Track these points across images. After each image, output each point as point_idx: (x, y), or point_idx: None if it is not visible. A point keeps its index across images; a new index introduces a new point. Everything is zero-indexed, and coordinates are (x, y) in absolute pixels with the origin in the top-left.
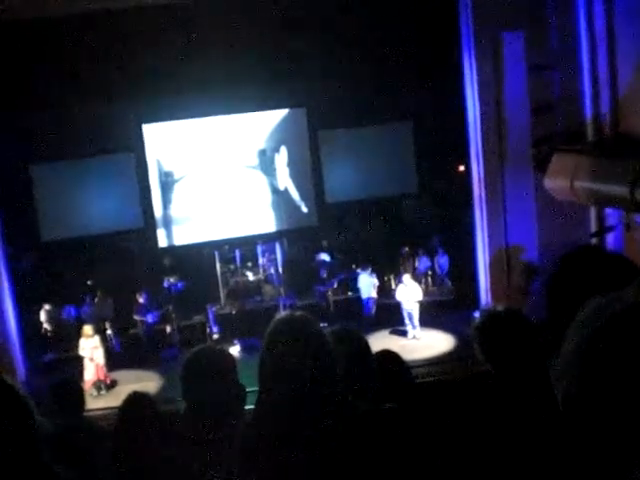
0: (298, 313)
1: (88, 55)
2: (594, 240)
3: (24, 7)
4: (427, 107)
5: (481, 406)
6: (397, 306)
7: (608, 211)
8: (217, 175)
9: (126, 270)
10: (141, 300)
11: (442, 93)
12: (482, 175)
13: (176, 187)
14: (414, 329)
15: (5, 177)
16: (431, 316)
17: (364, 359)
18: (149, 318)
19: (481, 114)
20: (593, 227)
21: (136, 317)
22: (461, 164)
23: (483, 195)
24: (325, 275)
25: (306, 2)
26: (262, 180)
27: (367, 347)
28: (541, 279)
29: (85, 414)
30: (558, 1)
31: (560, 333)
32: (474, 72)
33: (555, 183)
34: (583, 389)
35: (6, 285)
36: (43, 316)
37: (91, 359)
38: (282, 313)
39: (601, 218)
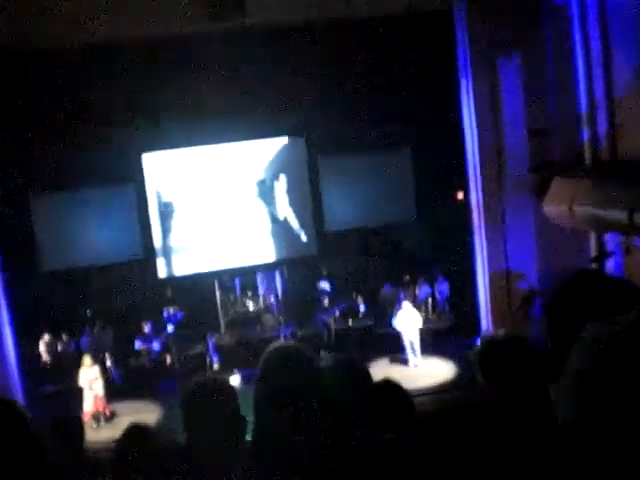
0: (290, 343)
1: (87, 86)
2: (594, 265)
3: (24, 38)
4: (425, 134)
5: (484, 433)
6: (397, 334)
7: (608, 236)
8: (216, 204)
9: (125, 300)
10: (145, 329)
11: (440, 120)
12: (481, 201)
13: (175, 217)
14: (415, 357)
15: (4, 207)
16: (432, 343)
17: (364, 388)
18: (155, 346)
19: (479, 140)
20: (593, 252)
21: (140, 346)
22: (460, 191)
23: (482, 221)
24: (326, 303)
25: (303, 32)
26: (261, 209)
27: (368, 376)
28: (541, 304)
29: (85, 447)
30: (553, 25)
31: (561, 358)
32: (471, 98)
33: (554, 208)
34: (584, 413)
35: (5, 315)
36: (42, 347)
37: (90, 389)
38: (275, 344)
39: (601, 243)
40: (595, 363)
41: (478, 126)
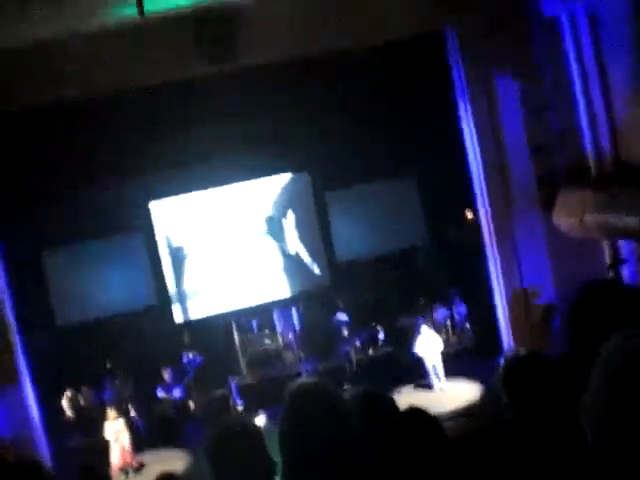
0: (312, 380)
1: (91, 138)
2: (611, 273)
3: (28, 94)
4: (429, 157)
5: (512, 453)
6: (419, 359)
7: (621, 243)
8: (227, 245)
9: (144, 349)
10: (166, 377)
11: (442, 142)
12: (490, 220)
13: (187, 261)
14: (439, 381)
15: (17, 263)
16: (455, 365)
17: (390, 420)
18: (176, 394)
19: (482, 159)
20: (607, 260)
21: (162, 394)
22: (469, 211)
23: (494, 240)
24: (346, 334)
25: (299, 67)
26: (272, 246)
27: (393, 406)
28: (560, 317)
29: None
30: (547, 39)
31: (584, 370)
32: (470, 118)
33: (564, 221)
34: (612, 426)
35: (25, 371)
36: (65, 403)
37: (116, 442)
38: (296, 382)
39: (615, 250)
40: (619, 376)
41: (480, 145)
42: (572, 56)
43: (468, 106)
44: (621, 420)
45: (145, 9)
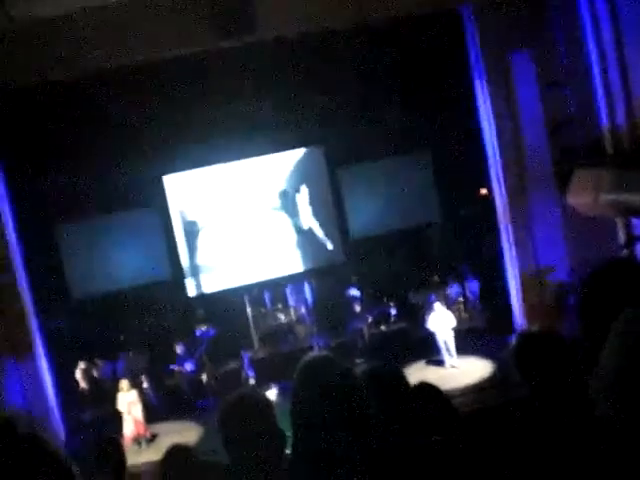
0: (322, 354)
1: (104, 112)
2: (625, 252)
3: (36, 69)
4: (444, 135)
5: (524, 430)
6: (431, 336)
7: (636, 221)
8: (240, 220)
9: (158, 322)
10: (179, 351)
11: (458, 119)
12: (505, 198)
13: (201, 235)
14: (451, 357)
15: (32, 238)
16: (467, 343)
17: (401, 394)
18: (188, 367)
19: (498, 137)
20: (622, 239)
21: (174, 368)
22: (483, 188)
23: (508, 218)
24: (358, 310)
25: (316, 42)
26: (286, 221)
27: (404, 382)
28: (574, 296)
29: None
30: (563, 16)
31: (596, 349)
32: (487, 96)
33: (579, 199)
34: (624, 402)
35: (40, 345)
36: (79, 375)
37: (129, 413)
38: (306, 356)
39: (629, 229)
40: (632, 353)
41: (496, 123)
42: (590, 34)
43: (484, 83)
44: (635, 388)
45: None
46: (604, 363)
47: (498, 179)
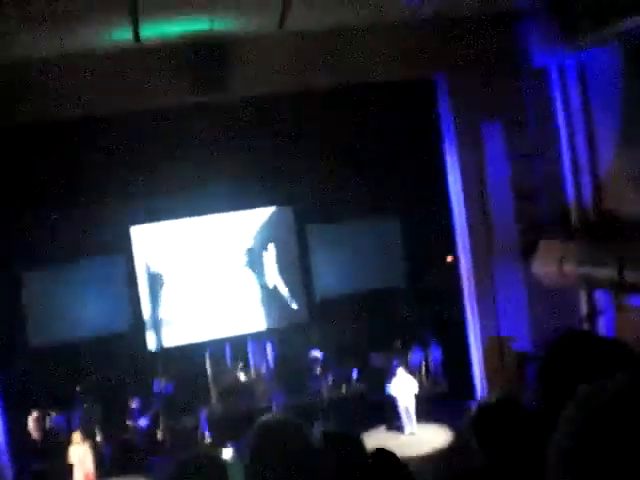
0: (279, 417)
1: (74, 161)
2: (586, 324)
3: (6, 114)
4: (412, 200)
5: None
6: (391, 400)
7: (598, 293)
8: (205, 274)
9: (115, 374)
10: (133, 405)
11: (426, 186)
12: (470, 266)
13: (165, 289)
14: (411, 424)
15: None
16: (427, 409)
17: (358, 460)
18: (142, 422)
19: (465, 204)
20: (584, 311)
21: (128, 423)
22: (449, 255)
23: (472, 285)
24: (318, 371)
25: (287, 103)
26: (251, 278)
27: (361, 448)
28: (534, 367)
29: None
30: (535, 89)
31: (552, 421)
32: (456, 164)
33: (543, 269)
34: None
35: None
36: (31, 423)
37: (81, 466)
38: (262, 418)
39: (592, 302)
40: (581, 433)
41: (464, 192)
42: (559, 106)
43: (454, 151)
44: (586, 470)
45: (141, 35)
46: (556, 441)
47: (464, 247)
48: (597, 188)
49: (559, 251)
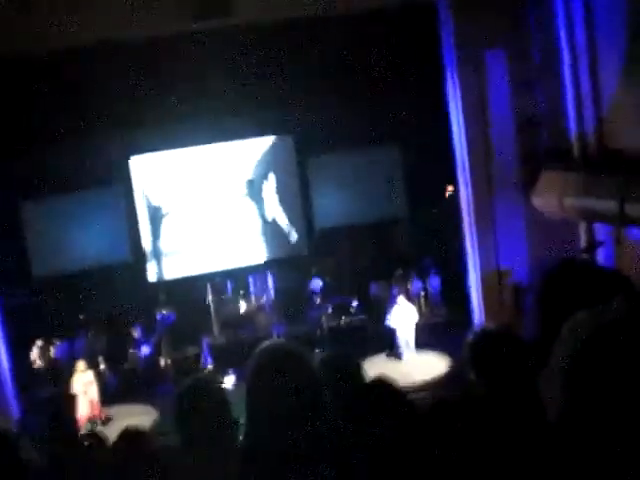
0: (279, 341)
1: (72, 90)
2: (585, 256)
3: (4, 42)
4: (413, 130)
5: (475, 428)
6: (390, 329)
7: (598, 226)
8: (206, 205)
9: (118, 304)
10: (135, 334)
11: (427, 116)
12: (470, 196)
13: (165, 220)
14: (410, 352)
15: None
16: (426, 338)
17: (355, 385)
18: (144, 351)
19: (467, 135)
20: (583, 243)
21: (131, 351)
22: (450, 185)
23: (472, 216)
24: (318, 301)
25: (288, 30)
26: (251, 209)
27: (359, 373)
28: (531, 297)
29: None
30: (539, 16)
31: (548, 350)
32: (458, 93)
33: (544, 201)
34: (570, 401)
35: None
36: (35, 352)
37: (85, 394)
38: (264, 343)
39: (591, 234)
40: (579, 353)
41: (465, 121)
42: (563, 35)
43: (456, 80)
44: (583, 393)
45: None
46: (551, 366)
47: (465, 177)
48: (599, 120)
49: (560, 182)
